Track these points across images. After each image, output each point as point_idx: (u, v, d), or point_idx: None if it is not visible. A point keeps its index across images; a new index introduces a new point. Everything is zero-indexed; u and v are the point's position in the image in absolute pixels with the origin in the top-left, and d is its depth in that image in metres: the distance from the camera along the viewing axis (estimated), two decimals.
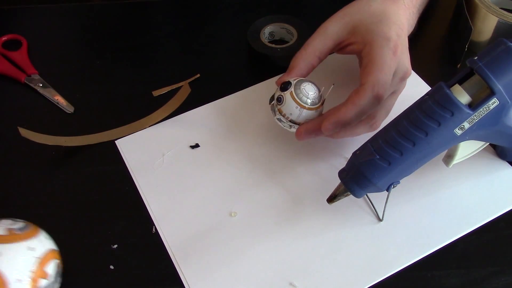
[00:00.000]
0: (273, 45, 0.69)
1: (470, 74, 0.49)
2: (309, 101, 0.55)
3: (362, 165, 0.50)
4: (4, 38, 0.72)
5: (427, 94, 0.49)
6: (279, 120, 0.57)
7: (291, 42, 0.69)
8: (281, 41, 0.72)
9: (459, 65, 0.69)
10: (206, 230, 0.55)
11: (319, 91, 0.56)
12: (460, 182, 0.58)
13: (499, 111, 0.48)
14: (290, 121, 0.56)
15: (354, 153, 0.52)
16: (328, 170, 0.59)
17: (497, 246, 0.54)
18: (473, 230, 0.55)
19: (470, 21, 0.67)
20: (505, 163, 0.60)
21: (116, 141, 0.62)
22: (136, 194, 0.58)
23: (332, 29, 0.58)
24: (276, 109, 0.56)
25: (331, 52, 0.59)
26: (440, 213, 0.56)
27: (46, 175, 0.60)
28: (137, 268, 0.53)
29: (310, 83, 0.56)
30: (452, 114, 0.47)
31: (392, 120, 0.51)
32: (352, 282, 0.52)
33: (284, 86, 0.56)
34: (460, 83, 0.49)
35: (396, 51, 0.53)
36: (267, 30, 0.70)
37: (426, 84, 0.66)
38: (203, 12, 0.77)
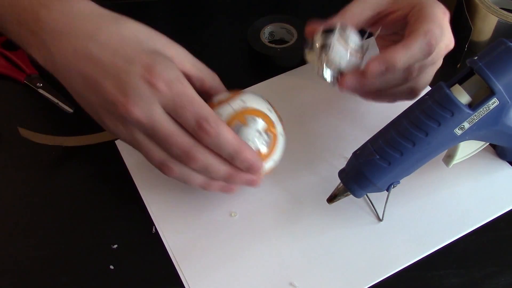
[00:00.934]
0: (273, 45, 0.69)
1: (470, 74, 0.49)
2: (357, 47, 0.52)
3: (362, 165, 0.50)
4: (4, 38, 0.72)
5: (427, 94, 0.49)
6: (325, 71, 0.52)
7: (291, 42, 0.69)
8: (281, 41, 0.72)
9: (459, 65, 0.69)
10: (206, 230, 0.55)
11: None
12: (460, 182, 0.58)
13: (499, 111, 0.48)
14: (338, 70, 0.52)
15: (354, 153, 0.52)
16: (328, 170, 0.59)
17: (497, 246, 0.54)
18: (473, 230, 0.55)
19: (470, 21, 0.67)
20: (505, 163, 0.60)
21: (116, 141, 0.62)
22: (136, 194, 0.58)
23: None
24: (323, 59, 0.51)
25: (369, 23, 0.55)
26: (440, 213, 0.56)
27: (46, 175, 0.60)
28: (137, 268, 0.53)
29: (354, 30, 0.52)
30: (452, 114, 0.47)
31: (392, 120, 0.51)
32: (352, 282, 0.52)
33: (329, 31, 0.51)
34: (460, 83, 0.49)
35: (446, 13, 0.51)
36: (267, 30, 0.70)
37: None
38: (203, 12, 0.77)
